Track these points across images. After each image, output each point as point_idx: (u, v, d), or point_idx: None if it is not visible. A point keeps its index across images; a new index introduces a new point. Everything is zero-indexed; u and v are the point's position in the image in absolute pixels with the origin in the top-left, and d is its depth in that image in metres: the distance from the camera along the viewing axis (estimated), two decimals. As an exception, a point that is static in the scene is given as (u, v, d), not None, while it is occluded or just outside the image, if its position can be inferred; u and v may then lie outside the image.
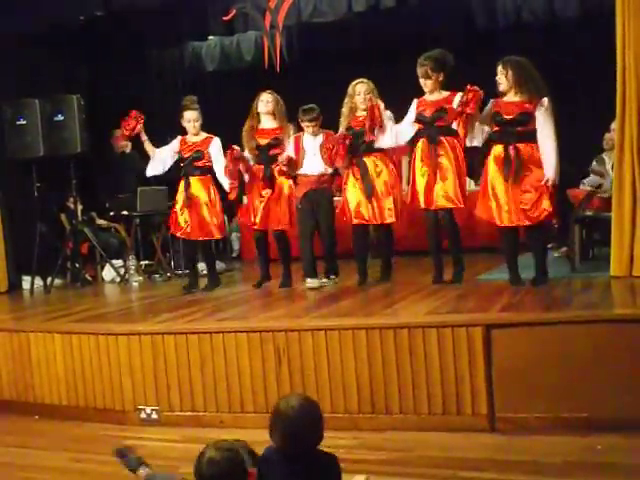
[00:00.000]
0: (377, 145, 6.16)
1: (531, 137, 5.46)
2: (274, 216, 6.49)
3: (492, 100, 5.66)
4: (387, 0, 7.82)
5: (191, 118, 6.65)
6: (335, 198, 6.67)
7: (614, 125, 5.81)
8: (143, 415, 5.00)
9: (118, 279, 8.04)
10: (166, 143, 6.94)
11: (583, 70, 8.69)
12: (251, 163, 6.59)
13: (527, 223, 5.47)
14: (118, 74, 9.42)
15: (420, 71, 5.87)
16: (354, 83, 6.26)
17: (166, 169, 6.86)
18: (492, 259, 6.98)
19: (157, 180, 7.66)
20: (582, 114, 8.77)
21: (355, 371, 4.54)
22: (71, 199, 8.07)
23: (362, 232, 6.38)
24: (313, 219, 6.38)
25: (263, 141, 6.51)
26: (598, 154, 7.75)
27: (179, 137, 6.82)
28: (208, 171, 6.72)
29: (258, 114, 6.57)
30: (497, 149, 5.55)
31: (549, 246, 7.48)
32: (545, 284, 5.52)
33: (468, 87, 5.53)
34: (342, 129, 6.30)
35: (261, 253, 6.77)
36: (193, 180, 6.67)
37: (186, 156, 6.69)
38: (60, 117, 7.62)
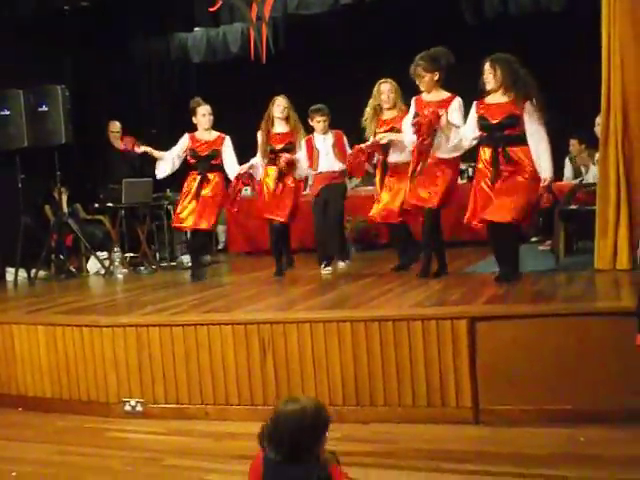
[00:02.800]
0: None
1: (520, 140, 5.30)
2: (277, 208, 6.75)
3: (475, 102, 5.52)
4: (374, -7, 7.82)
5: (206, 112, 6.83)
6: None
7: (599, 119, 5.83)
8: (127, 407, 4.98)
9: (103, 271, 8.00)
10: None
11: (568, 64, 8.72)
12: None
13: (499, 220, 5.27)
14: (103, 65, 9.37)
15: (413, 70, 5.82)
16: (380, 82, 6.36)
17: (175, 169, 7.01)
18: (477, 252, 7.00)
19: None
20: (567, 108, 8.81)
21: (340, 363, 4.54)
22: (56, 190, 8.01)
23: (396, 227, 6.49)
24: (322, 214, 6.65)
25: (278, 146, 6.74)
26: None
27: (187, 135, 6.93)
28: (221, 168, 6.91)
29: (272, 117, 6.75)
30: (485, 152, 5.43)
31: (534, 239, 7.56)
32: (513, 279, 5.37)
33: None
34: (369, 132, 6.40)
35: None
36: (211, 176, 6.84)
37: (203, 154, 6.85)
38: (44, 108, 7.57)
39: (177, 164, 6.98)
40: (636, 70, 5.40)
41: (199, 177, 6.82)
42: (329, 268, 6.71)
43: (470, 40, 8.77)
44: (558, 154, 8.03)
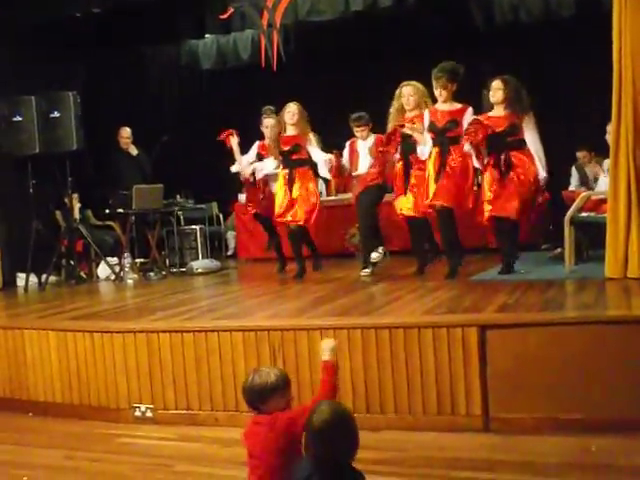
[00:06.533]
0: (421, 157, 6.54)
1: (519, 145, 6.04)
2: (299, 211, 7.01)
3: (480, 118, 6.09)
4: (385, -1, 7.81)
5: (268, 124, 7.41)
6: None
7: (610, 127, 5.82)
8: (138, 413, 4.99)
9: (113, 277, 8.03)
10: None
11: (579, 70, 8.71)
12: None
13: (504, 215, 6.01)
14: (115, 71, 9.41)
15: (437, 83, 6.21)
16: (402, 85, 6.64)
17: (244, 171, 7.70)
18: (486, 259, 6.99)
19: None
20: (578, 115, 8.80)
21: (350, 370, 4.54)
22: (67, 196, 8.04)
23: (413, 224, 6.78)
24: (363, 216, 6.92)
25: (286, 147, 7.07)
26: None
27: (257, 142, 7.63)
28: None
29: (284, 123, 7.07)
30: (491, 159, 6.11)
31: (544, 247, 7.55)
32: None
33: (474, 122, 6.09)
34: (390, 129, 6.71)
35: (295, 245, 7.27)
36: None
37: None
38: (56, 114, 7.62)
39: (249, 169, 7.63)
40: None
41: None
42: (367, 270, 6.86)
43: (481, 46, 8.80)
44: (566, 162, 8.10)
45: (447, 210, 6.20)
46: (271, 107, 7.54)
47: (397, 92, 6.64)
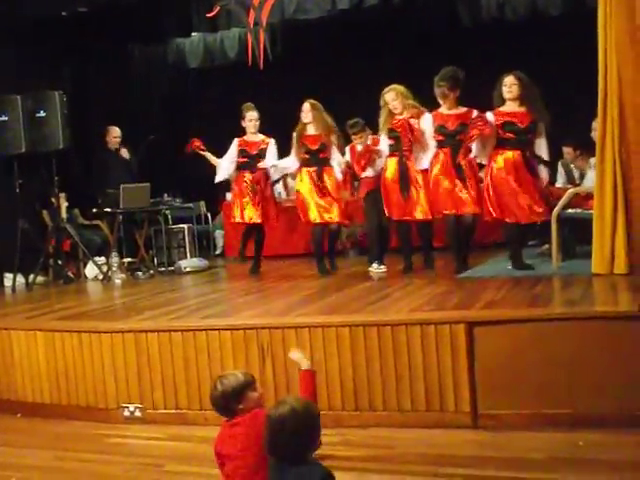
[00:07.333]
0: (418, 167, 6.55)
1: (532, 145, 6.12)
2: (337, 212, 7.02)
3: (491, 113, 6.15)
4: (371, -3, 7.83)
5: (252, 117, 7.42)
6: None
7: (595, 124, 5.85)
8: (126, 413, 4.98)
9: (101, 276, 7.99)
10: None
11: (564, 68, 8.75)
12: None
13: (535, 220, 6.21)
14: (101, 70, 9.38)
15: (438, 92, 6.28)
16: (383, 93, 6.65)
17: (230, 174, 7.56)
18: (474, 257, 7.01)
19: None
20: (563, 112, 8.84)
21: (339, 368, 4.55)
22: (54, 195, 8.00)
23: (404, 226, 6.80)
24: (376, 214, 6.97)
25: (314, 147, 7.01)
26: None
27: (236, 140, 7.46)
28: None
29: (304, 122, 7.05)
30: (508, 154, 6.06)
31: (531, 243, 7.59)
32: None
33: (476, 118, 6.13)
34: (383, 134, 6.75)
35: (317, 246, 7.21)
36: (251, 175, 7.40)
37: (253, 153, 7.42)
38: (42, 113, 7.59)
39: (232, 170, 7.49)
40: (632, 75, 5.41)
41: (245, 176, 7.38)
42: (383, 266, 6.94)
43: (468, 44, 8.82)
44: (552, 159, 8.16)
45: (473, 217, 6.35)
46: (251, 104, 7.50)
47: (382, 100, 6.65)
